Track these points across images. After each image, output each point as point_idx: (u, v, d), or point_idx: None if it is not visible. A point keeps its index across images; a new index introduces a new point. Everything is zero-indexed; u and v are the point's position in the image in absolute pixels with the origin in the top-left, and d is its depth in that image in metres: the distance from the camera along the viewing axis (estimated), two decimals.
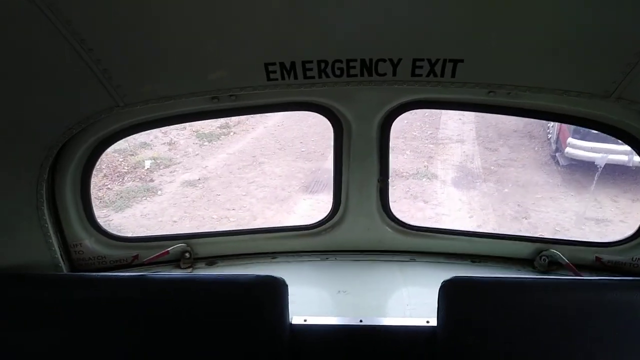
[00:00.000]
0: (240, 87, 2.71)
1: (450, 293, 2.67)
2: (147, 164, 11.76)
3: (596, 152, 10.11)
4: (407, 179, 11.05)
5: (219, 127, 13.94)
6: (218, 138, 13.62)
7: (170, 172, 11.61)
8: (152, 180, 11.22)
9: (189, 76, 2.60)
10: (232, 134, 13.89)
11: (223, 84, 2.69)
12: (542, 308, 2.63)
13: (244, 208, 10.05)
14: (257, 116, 13.75)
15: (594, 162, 10.19)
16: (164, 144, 12.73)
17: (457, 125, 13.72)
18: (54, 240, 3.06)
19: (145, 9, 2.17)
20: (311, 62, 2.53)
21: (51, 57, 2.29)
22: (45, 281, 2.90)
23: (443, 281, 2.68)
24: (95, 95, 2.53)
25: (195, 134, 13.40)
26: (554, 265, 3.47)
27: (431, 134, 13.43)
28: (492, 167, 11.63)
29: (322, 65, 2.55)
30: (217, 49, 2.45)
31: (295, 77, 2.60)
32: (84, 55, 2.27)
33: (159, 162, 11.96)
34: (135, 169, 11.60)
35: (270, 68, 2.54)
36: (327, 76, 2.61)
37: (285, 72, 2.57)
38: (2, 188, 2.80)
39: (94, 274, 3.19)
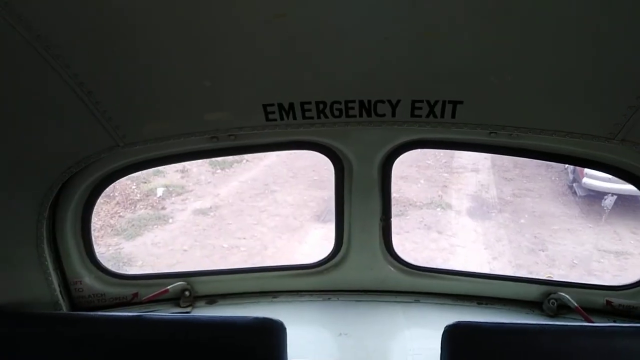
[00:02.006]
0: (239, 127, 2.71)
1: (454, 338, 2.57)
2: (160, 191, 11.80)
3: (614, 183, 9.91)
4: (421, 208, 10.92)
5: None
6: (231, 166, 13.66)
7: (182, 200, 11.63)
8: (163, 208, 11.23)
9: (187, 117, 2.61)
10: (245, 161, 13.93)
11: (222, 124, 2.69)
12: (550, 356, 2.52)
13: (255, 237, 9.98)
14: None
15: (612, 194, 9.99)
16: (177, 171, 12.78)
17: (473, 154, 13.58)
18: (53, 278, 3.04)
19: (143, 52, 2.19)
20: (309, 103, 2.53)
21: (51, 99, 2.32)
22: (43, 320, 2.86)
23: (447, 326, 2.58)
24: (96, 136, 2.55)
25: (208, 161, 13.45)
26: (563, 308, 3.34)
27: (445, 162, 13.31)
28: (508, 197, 11.44)
29: (321, 106, 2.55)
30: (216, 90, 2.46)
31: (294, 118, 2.59)
32: (84, 98, 2.30)
33: (171, 189, 11.99)
34: (147, 196, 11.63)
35: (269, 109, 2.54)
36: (326, 117, 2.61)
37: (284, 113, 2.57)
38: (2, 225, 2.80)
39: (92, 313, 3.14)
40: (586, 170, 10.30)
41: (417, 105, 2.52)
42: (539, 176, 12.42)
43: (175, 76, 2.34)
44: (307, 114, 2.57)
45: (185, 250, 9.57)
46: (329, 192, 11.44)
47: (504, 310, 3.43)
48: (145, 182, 11.98)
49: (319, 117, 2.60)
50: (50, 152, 2.62)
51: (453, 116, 2.53)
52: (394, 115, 2.58)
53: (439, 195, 11.56)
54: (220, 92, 2.46)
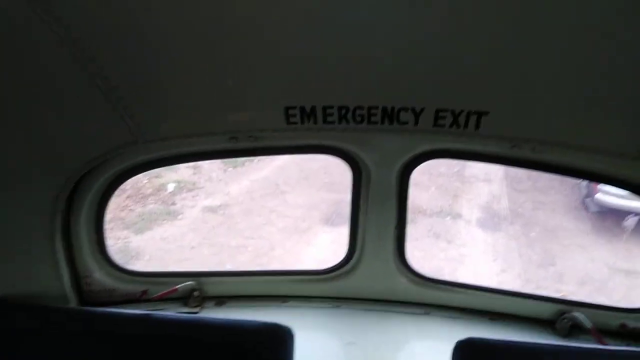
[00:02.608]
0: (260, 129, 2.69)
1: (465, 354, 2.53)
2: (171, 187, 11.86)
3: (628, 200, 9.78)
4: (431, 217, 10.85)
5: None
6: (243, 164, 13.69)
7: (193, 196, 11.67)
8: (174, 204, 11.27)
9: (209, 116, 2.59)
10: (256, 160, 13.94)
11: (242, 125, 2.66)
12: None
13: (263, 237, 9.97)
14: None
15: (628, 210, 9.85)
16: (189, 167, 12.83)
17: (485, 164, 13.47)
18: (64, 271, 3.04)
19: (169, 50, 2.18)
20: (332, 107, 2.49)
21: (75, 92, 2.31)
22: (52, 313, 2.87)
23: (458, 341, 2.54)
24: (116, 131, 2.54)
25: None
26: (576, 329, 3.27)
27: (458, 171, 13.22)
28: (520, 209, 11.34)
29: (343, 111, 2.50)
30: (238, 91, 2.43)
31: (315, 122, 2.56)
32: (107, 93, 2.29)
33: (182, 185, 12.04)
34: (158, 191, 11.69)
35: (291, 112, 2.51)
36: (348, 122, 2.56)
37: (305, 116, 2.53)
38: (17, 217, 2.80)
39: (102, 309, 3.14)
40: (599, 185, 10.17)
41: (441, 114, 2.47)
42: (552, 189, 12.28)
43: (199, 75, 2.32)
44: (329, 118, 2.54)
45: (193, 247, 9.59)
46: (339, 195, 11.49)
47: (516, 327, 3.38)
48: (157, 177, 12.04)
49: (340, 122, 2.56)
50: (69, 146, 2.62)
51: (477, 127, 2.48)
52: (416, 123, 2.53)
53: (449, 205, 11.48)
54: (243, 93, 2.44)
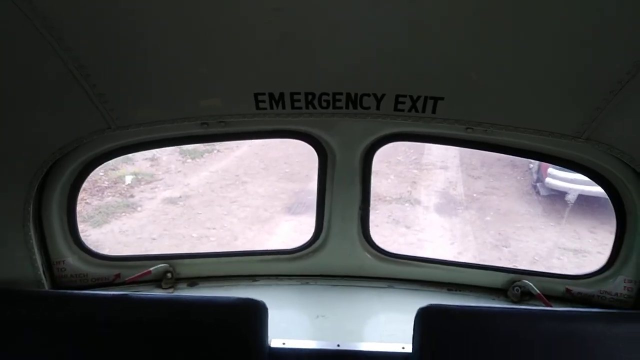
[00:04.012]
0: (230, 115, 2.81)
1: (425, 320, 2.71)
2: (128, 179, 11.63)
3: (576, 184, 10.26)
4: (390, 203, 11.08)
5: (203, 144, 13.87)
6: (202, 155, 13.55)
7: (152, 188, 11.49)
8: (132, 196, 11.07)
9: (181, 102, 2.68)
10: (215, 151, 13.84)
11: (213, 110, 2.77)
12: (513, 337, 2.67)
13: (225, 228, 9.95)
14: None
15: (574, 194, 10.35)
16: (146, 159, 12.61)
17: (442, 152, 13.85)
18: (37, 257, 3.08)
19: (142, 37, 2.23)
20: (299, 93, 2.63)
21: (49, 79, 2.35)
22: (26, 298, 2.89)
23: (419, 308, 2.72)
24: (89, 118, 2.60)
25: (179, 149, 13.30)
26: (526, 295, 3.54)
27: (415, 159, 13.54)
28: (475, 195, 11.73)
29: (310, 97, 2.65)
30: (210, 78, 2.53)
31: (283, 107, 2.70)
32: (81, 80, 2.34)
33: (140, 177, 11.82)
34: (115, 183, 11.45)
35: (260, 97, 2.64)
36: (314, 107, 2.72)
37: (274, 102, 2.67)
38: None
39: (76, 291, 3.19)
40: (549, 170, 10.64)
41: (400, 99, 2.66)
42: (504, 175, 12.75)
43: (171, 62, 2.39)
44: (296, 104, 2.68)
45: (154, 239, 9.47)
46: (300, 185, 11.57)
47: (472, 296, 3.62)
48: (114, 170, 11.78)
49: (307, 108, 2.71)
50: (41, 132, 2.66)
51: (433, 111, 2.69)
52: (378, 108, 2.72)
53: (407, 191, 11.74)
54: (213, 79, 2.54)
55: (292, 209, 10.71)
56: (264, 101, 2.66)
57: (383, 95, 2.65)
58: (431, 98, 2.61)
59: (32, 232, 2.99)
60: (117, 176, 11.67)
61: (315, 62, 2.47)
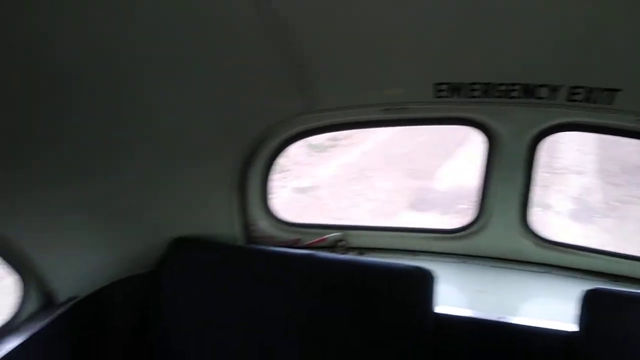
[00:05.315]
0: (410, 102, 3.05)
1: (593, 302, 2.69)
2: None
3: None
4: None
5: (328, 139, 14.38)
6: (326, 149, 14.05)
7: (282, 177, 12.15)
8: None
9: (371, 89, 2.94)
10: (339, 147, 14.26)
11: (395, 98, 3.01)
12: None
13: (352, 219, 10.25)
14: (366, 130, 13.98)
15: None
16: None
17: (576, 156, 13.06)
18: (237, 219, 3.55)
19: (359, 26, 2.39)
20: (477, 84, 2.75)
21: (263, 67, 2.63)
22: (225, 250, 3.38)
23: (587, 290, 2.71)
24: (294, 102, 2.95)
25: (305, 144, 13.90)
26: None
27: (545, 162, 12.87)
28: (615, 203, 10.92)
29: (486, 87, 2.76)
30: (394, 69, 2.74)
31: (459, 96, 2.84)
32: (293, 69, 2.63)
33: None
34: None
35: (439, 87, 2.80)
36: (490, 97, 2.82)
37: (452, 92, 2.82)
38: (203, 175, 3.30)
39: (269, 247, 3.60)
40: None
41: (576, 90, 2.66)
42: None
43: (363, 54, 2.59)
44: (474, 93, 2.81)
45: None
46: (424, 182, 11.55)
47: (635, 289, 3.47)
48: None
49: (483, 97, 2.82)
50: (253, 113, 3.04)
51: (609, 103, 2.64)
52: (552, 98, 2.75)
53: (538, 195, 11.21)
54: (400, 70, 2.75)
55: (415, 206, 10.76)
56: (442, 90, 2.81)
57: (558, 86, 2.67)
58: (608, 89, 2.58)
59: (235, 198, 3.46)
60: None
61: (494, 54, 2.55)
